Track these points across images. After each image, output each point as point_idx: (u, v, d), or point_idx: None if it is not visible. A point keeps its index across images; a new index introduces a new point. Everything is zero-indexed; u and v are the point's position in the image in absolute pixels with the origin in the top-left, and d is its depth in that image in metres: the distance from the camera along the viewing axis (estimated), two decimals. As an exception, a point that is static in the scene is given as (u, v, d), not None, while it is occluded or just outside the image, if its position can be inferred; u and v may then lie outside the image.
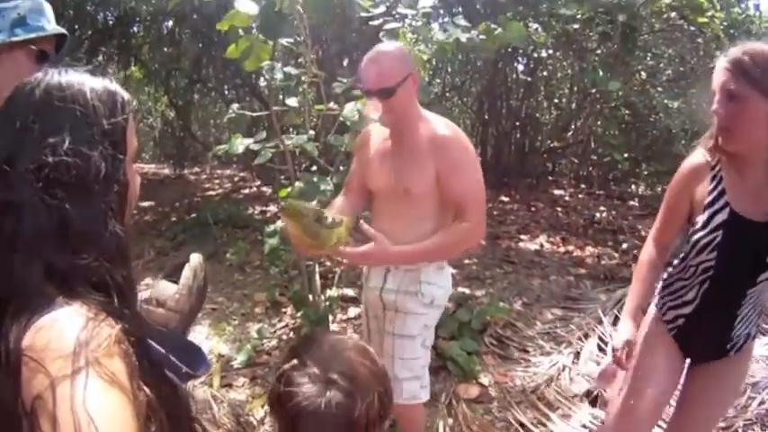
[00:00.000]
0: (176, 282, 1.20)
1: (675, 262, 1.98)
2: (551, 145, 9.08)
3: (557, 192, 8.11)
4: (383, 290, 2.23)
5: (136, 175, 0.95)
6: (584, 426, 2.91)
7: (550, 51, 7.50)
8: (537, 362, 3.53)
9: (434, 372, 3.34)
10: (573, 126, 8.89)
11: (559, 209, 7.22)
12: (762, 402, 2.95)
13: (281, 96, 3.44)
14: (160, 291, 1.19)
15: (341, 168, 3.16)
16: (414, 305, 2.18)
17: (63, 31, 1.74)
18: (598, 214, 6.94)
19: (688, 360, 2.03)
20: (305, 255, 2.33)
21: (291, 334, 3.86)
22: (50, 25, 1.72)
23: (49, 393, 0.66)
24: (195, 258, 1.25)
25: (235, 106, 3.14)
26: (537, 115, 9.02)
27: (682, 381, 2.04)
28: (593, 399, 3.11)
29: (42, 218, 0.77)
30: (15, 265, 0.76)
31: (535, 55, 7.53)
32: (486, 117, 8.82)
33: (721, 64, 1.68)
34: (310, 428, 1.05)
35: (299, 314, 3.75)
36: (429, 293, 2.18)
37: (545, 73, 8.65)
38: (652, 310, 2.06)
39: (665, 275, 2.05)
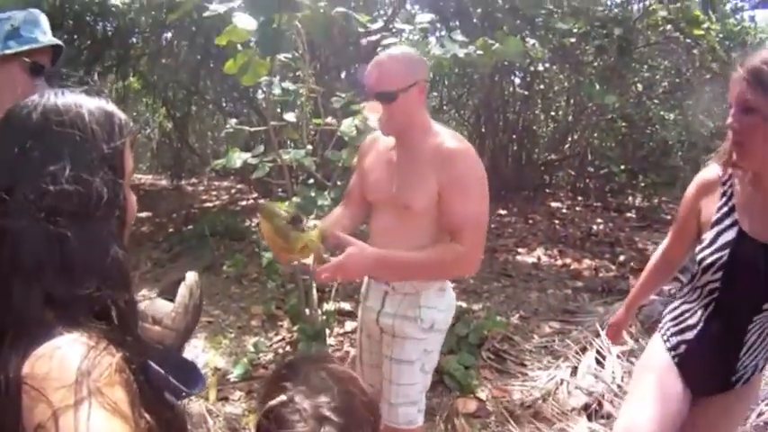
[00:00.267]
0: (172, 299, 1.20)
1: (683, 282, 1.91)
2: (548, 157, 9.11)
3: (554, 204, 8.13)
4: (381, 313, 2.11)
5: (132, 196, 0.95)
6: (581, 440, 2.91)
7: (547, 65, 7.53)
8: (534, 376, 3.52)
9: (432, 386, 3.30)
10: (570, 138, 8.94)
11: (557, 221, 7.23)
12: (760, 414, 2.95)
13: (278, 110, 3.45)
14: (156, 308, 1.19)
15: (338, 183, 3.17)
16: (412, 330, 2.05)
17: (58, 42, 1.71)
18: (595, 226, 6.95)
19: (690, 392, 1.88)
20: (279, 259, 2.17)
21: (288, 347, 3.85)
22: (45, 37, 1.68)
23: (51, 423, 0.66)
24: (191, 276, 1.25)
25: (233, 121, 3.16)
26: (534, 128, 9.06)
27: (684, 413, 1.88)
28: (591, 413, 3.11)
29: (42, 247, 0.77)
30: (14, 294, 0.75)
31: (532, 68, 7.57)
32: (484, 130, 8.85)
33: (738, 74, 1.54)
34: None
35: (295, 328, 3.74)
36: (429, 318, 2.05)
37: (542, 86, 8.70)
38: (656, 337, 1.95)
39: (672, 305, 1.94)
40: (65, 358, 0.71)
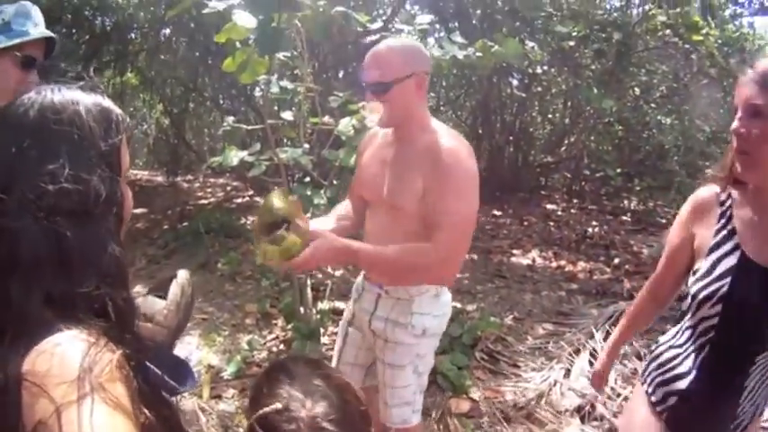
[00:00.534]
0: (162, 297, 1.21)
1: (667, 329, 1.70)
2: (545, 160, 9.13)
3: (549, 206, 8.14)
4: (373, 316, 2.07)
5: (129, 192, 0.95)
6: (573, 442, 2.92)
7: (545, 67, 7.54)
8: (528, 377, 3.53)
9: (426, 386, 3.35)
10: (566, 141, 8.96)
11: (552, 223, 7.24)
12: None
13: (275, 108, 3.45)
14: (148, 306, 1.19)
15: (334, 182, 3.17)
16: (403, 336, 2.01)
17: (49, 34, 1.68)
18: (590, 229, 6.96)
19: None
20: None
21: (282, 346, 3.85)
22: (37, 29, 1.65)
23: (54, 420, 0.66)
24: (183, 274, 1.26)
25: (230, 119, 3.15)
26: (531, 130, 9.07)
27: None
28: (584, 415, 3.12)
29: (41, 245, 0.77)
30: (13, 292, 0.75)
31: (530, 71, 7.58)
32: (481, 131, 8.87)
33: (747, 76, 1.39)
34: None
35: (290, 326, 3.74)
36: (420, 325, 2.00)
37: (539, 88, 8.70)
38: (638, 390, 1.72)
39: (652, 347, 1.74)
40: (66, 355, 0.71)
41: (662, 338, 1.69)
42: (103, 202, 0.83)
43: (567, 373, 3.51)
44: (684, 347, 1.57)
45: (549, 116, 9.48)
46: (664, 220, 7.17)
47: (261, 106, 7.17)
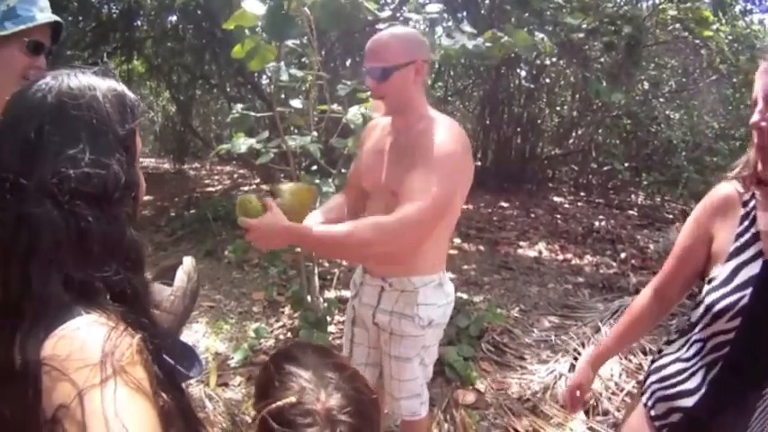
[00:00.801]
0: (168, 284, 1.21)
1: (673, 338, 1.55)
2: (552, 152, 9.10)
3: (556, 199, 8.13)
4: (377, 310, 2.05)
5: (142, 177, 0.95)
6: (578, 435, 2.92)
7: (554, 59, 7.51)
8: (533, 369, 3.53)
9: (432, 377, 3.35)
10: (574, 134, 8.93)
11: (558, 216, 7.23)
12: None
13: (282, 96, 3.44)
14: (155, 292, 1.20)
15: (342, 171, 3.16)
16: (409, 328, 2.00)
17: (56, 18, 1.64)
18: (597, 223, 6.95)
19: None
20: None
21: (289, 334, 3.86)
22: (43, 14, 1.62)
23: (76, 403, 0.66)
24: (188, 261, 1.26)
25: (239, 106, 3.13)
26: (538, 122, 9.04)
27: None
28: (589, 409, 3.11)
29: (61, 231, 0.77)
30: (33, 277, 0.75)
31: (538, 62, 7.55)
32: (488, 122, 8.85)
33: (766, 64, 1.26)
34: None
35: (296, 314, 3.74)
36: (426, 316, 1.99)
37: (548, 80, 8.68)
38: (639, 410, 1.58)
39: (656, 357, 1.59)
40: (86, 339, 0.71)
41: (667, 349, 1.55)
42: (123, 186, 0.83)
43: (573, 366, 3.50)
44: (692, 362, 1.42)
45: (557, 108, 9.45)
46: (670, 216, 7.16)
47: (267, 94, 7.16)
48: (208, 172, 10.54)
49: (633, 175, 7.87)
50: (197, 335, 3.87)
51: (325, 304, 3.65)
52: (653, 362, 1.57)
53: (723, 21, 6.59)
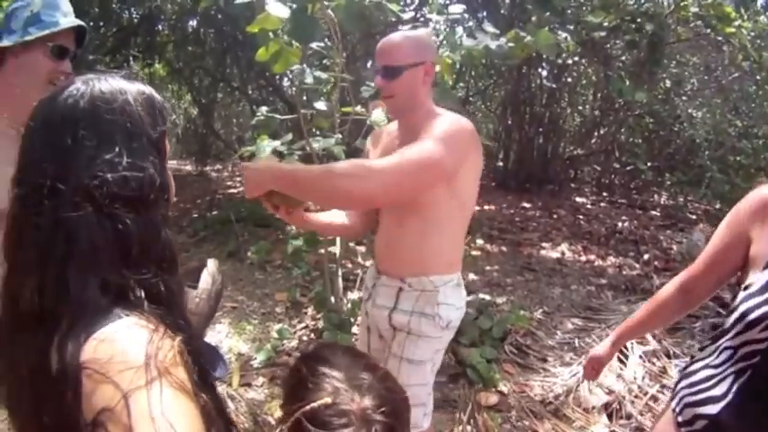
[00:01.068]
0: (191, 286, 1.23)
1: (706, 344, 1.49)
2: (574, 152, 9.03)
3: (579, 199, 8.07)
4: (395, 310, 2.02)
5: (172, 178, 0.95)
6: (602, 439, 2.90)
7: (575, 58, 7.45)
8: (556, 372, 3.51)
9: (454, 378, 3.35)
10: (596, 133, 8.85)
11: (581, 217, 7.18)
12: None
13: (304, 98, 3.45)
14: None
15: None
16: (429, 328, 1.97)
17: (79, 22, 1.68)
18: (620, 223, 6.88)
19: None
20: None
21: (312, 335, 3.88)
22: (66, 19, 1.65)
23: (122, 406, 0.67)
24: (212, 264, 1.28)
25: (263, 109, 3.15)
26: (560, 122, 8.98)
27: None
28: (612, 412, 3.09)
29: (98, 235, 0.77)
30: (70, 281, 0.76)
31: (560, 61, 7.50)
32: (510, 122, 8.80)
33: None
34: None
35: (320, 315, 3.76)
36: (446, 316, 1.98)
37: (569, 79, 8.61)
38: (668, 412, 1.54)
39: (688, 363, 1.55)
40: (128, 341, 0.72)
41: (699, 354, 1.51)
42: (158, 188, 0.84)
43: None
44: (721, 369, 1.36)
45: (579, 108, 9.38)
46: (693, 216, 7.07)
47: (289, 96, 7.20)
48: (230, 173, 10.61)
49: (656, 174, 7.79)
50: (220, 335, 3.90)
51: (349, 305, 3.66)
52: (685, 367, 1.54)
53: (745, 17, 6.47)
